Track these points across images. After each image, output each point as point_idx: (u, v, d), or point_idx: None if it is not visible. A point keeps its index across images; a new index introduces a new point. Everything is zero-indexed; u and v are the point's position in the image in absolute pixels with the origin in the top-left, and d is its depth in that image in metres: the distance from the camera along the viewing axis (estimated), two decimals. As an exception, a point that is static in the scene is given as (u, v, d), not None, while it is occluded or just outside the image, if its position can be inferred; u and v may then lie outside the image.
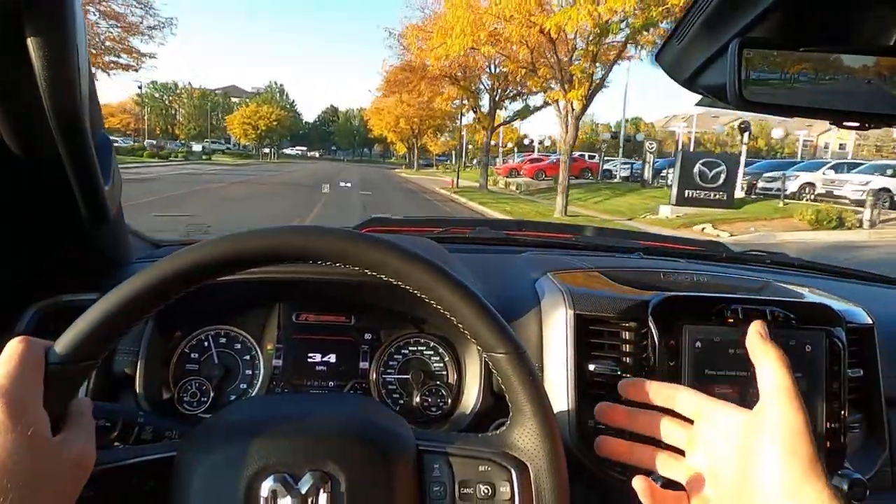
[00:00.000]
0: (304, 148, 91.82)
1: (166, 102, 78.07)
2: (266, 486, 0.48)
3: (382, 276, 0.51)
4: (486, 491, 0.52)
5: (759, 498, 0.48)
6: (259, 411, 0.58)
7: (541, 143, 52.27)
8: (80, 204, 0.75)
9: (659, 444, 0.61)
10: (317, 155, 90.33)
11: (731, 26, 0.60)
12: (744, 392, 0.79)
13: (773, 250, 1.60)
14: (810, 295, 0.96)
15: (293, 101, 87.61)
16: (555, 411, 0.54)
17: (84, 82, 0.62)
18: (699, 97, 0.81)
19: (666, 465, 0.60)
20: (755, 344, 0.57)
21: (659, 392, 0.61)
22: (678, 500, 0.56)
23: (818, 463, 0.47)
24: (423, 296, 0.52)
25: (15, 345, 0.45)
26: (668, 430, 0.60)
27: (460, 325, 0.52)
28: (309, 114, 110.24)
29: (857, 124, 0.60)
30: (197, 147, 48.83)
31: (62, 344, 0.46)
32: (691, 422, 0.59)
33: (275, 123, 66.54)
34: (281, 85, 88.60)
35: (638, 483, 0.55)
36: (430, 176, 39.01)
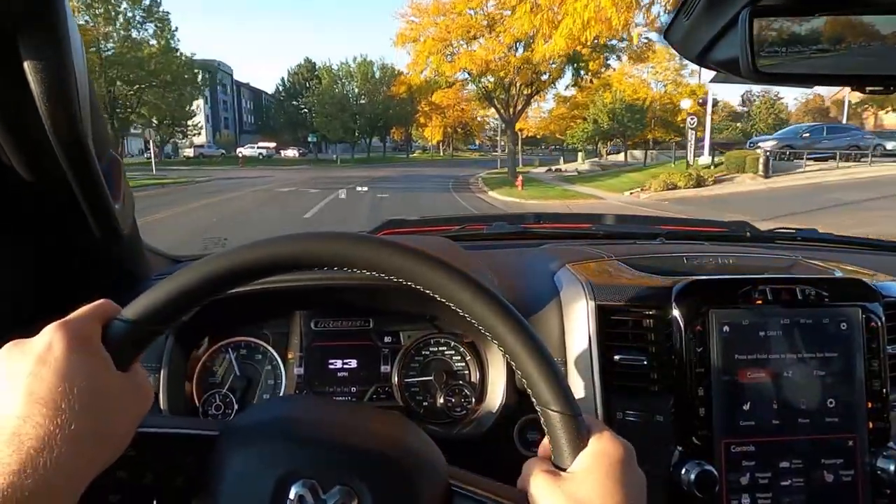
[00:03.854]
0: (272, 144, 51.98)
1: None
2: (294, 489, 0.47)
3: (443, 300, 0.50)
4: None
5: None
6: (303, 413, 0.57)
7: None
8: (92, 224, 0.75)
9: None
10: (295, 154, 50.28)
11: (740, -4, 0.58)
12: (776, 376, 0.77)
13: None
14: (843, 271, 0.92)
15: (164, 15, 30.31)
16: (580, 405, 0.52)
17: (85, 104, 0.62)
18: (713, 73, 0.78)
19: None
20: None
21: None
22: None
23: None
24: (484, 331, 0.50)
25: (87, 306, 0.48)
26: None
27: (518, 372, 0.50)
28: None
29: (880, 88, 0.57)
30: None
31: (131, 309, 0.48)
32: None
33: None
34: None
35: None
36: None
